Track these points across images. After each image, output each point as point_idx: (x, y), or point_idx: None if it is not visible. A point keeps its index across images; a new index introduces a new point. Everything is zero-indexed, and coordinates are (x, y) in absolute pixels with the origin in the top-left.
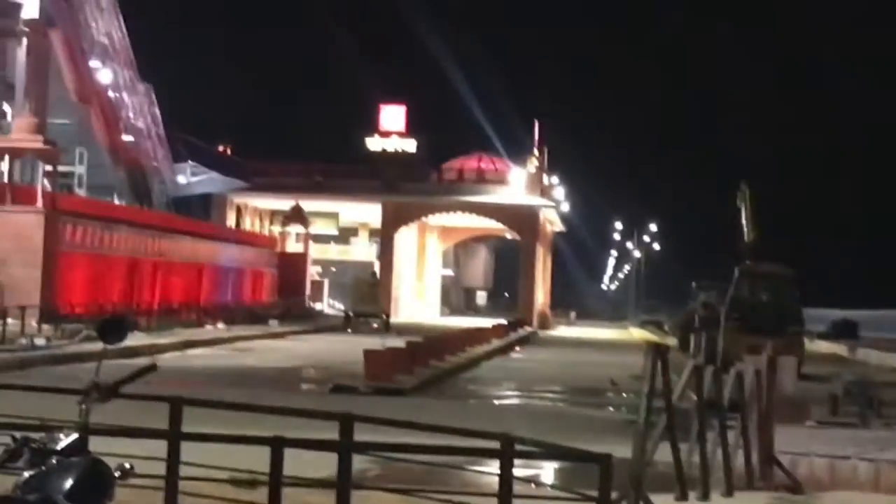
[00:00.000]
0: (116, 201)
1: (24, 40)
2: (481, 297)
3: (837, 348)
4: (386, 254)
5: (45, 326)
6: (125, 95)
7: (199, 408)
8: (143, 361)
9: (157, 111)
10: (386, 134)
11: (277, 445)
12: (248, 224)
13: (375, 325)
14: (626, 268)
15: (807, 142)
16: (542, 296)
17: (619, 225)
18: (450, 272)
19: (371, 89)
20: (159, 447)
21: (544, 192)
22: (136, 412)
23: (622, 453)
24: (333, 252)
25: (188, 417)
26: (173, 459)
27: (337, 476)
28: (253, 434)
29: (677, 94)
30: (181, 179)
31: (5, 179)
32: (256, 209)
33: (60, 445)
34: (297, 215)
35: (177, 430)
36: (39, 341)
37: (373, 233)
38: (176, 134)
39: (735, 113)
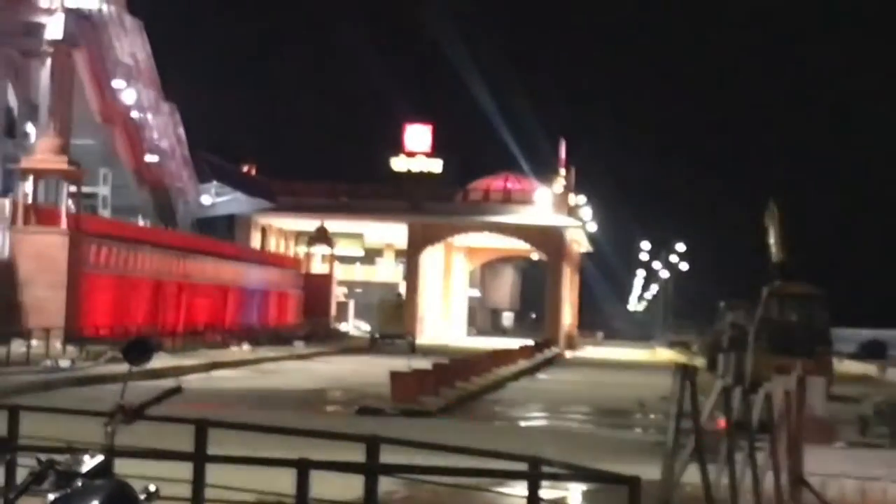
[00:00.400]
0: (141, 222)
1: (48, 60)
2: (508, 318)
3: (867, 368)
4: (411, 274)
5: (70, 348)
6: (149, 116)
7: (224, 430)
8: (168, 383)
9: (182, 131)
10: (412, 154)
11: (303, 468)
12: (273, 245)
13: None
14: (654, 288)
15: (836, 159)
16: (568, 316)
17: (646, 245)
18: (476, 293)
19: (397, 109)
20: (185, 469)
21: (571, 211)
22: (161, 434)
23: (650, 475)
24: (359, 273)
25: (213, 439)
26: (198, 482)
27: (363, 498)
28: (278, 456)
29: (706, 111)
30: (205, 200)
31: (29, 200)
32: (281, 230)
33: (85, 468)
34: (322, 236)
35: (202, 452)
36: (64, 363)
37: (398, 253)
38: (200, 154)
39: (764, 130)
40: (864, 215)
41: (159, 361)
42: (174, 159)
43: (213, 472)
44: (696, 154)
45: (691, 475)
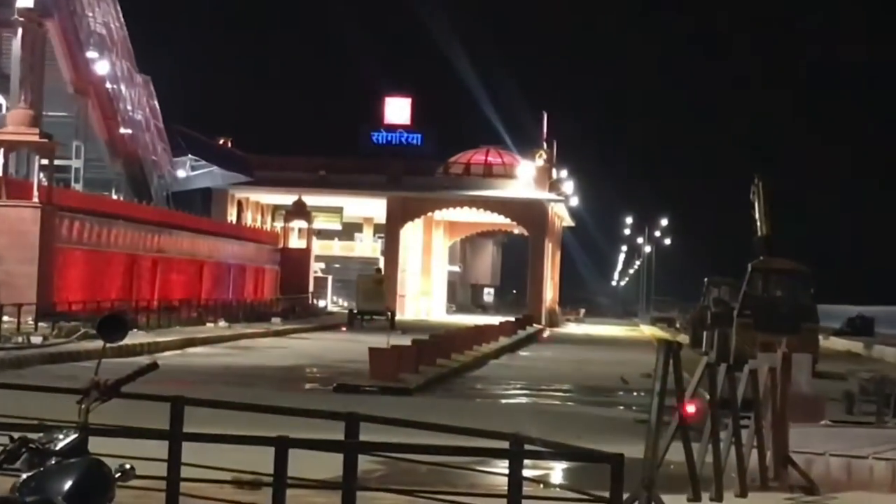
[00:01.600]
0: (114, 196)
1: (20, 30)
2: (488, 294)
3: (853, 345)
4: (391, 250)
5: (42, 324)
6: (123, 87)
7: (200, 407)
8: (142, 360)
9: (156, 103)
10: (391, 127)
11: (281, 446)
12: (250, 219)
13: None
14: (637, 263)
15: (823, 134)
16: (550, 292)
17: (629, 219)
18: (456, 268)
19: (376, 82)
20: (160, 448)
21: (553, 186)
22: (136, 412)
23: (634, 453)
24: (337, 248)
25: (189, 417)
26: (174, 460)
27: (342, 477)
28: (256, 434)
29: (689, 85)
30: (181, 173)
31: (0, 173)
32: (258, 204)
33: (59, 446)
34: (299, 210)
35: (178, 430)
36: (36, 339)
37: (377, 228)
38: (175, 127)
39: (748, 105)
40: (852, 190)
41: (134, 338)
42: (148, 132)
43: (190, 451)
44: (681, 127)
45: (675, 453)
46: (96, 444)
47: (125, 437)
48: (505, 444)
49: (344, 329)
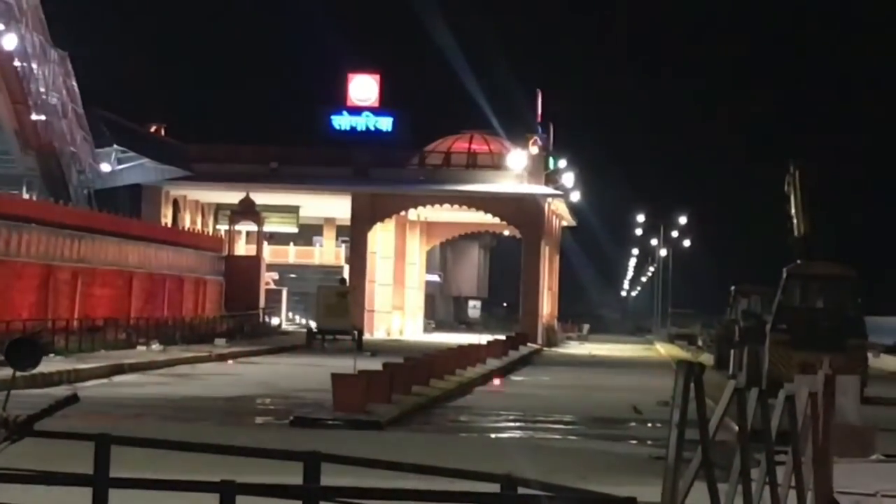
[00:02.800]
0: (25, 195)
1: None
2: (474, 309)
3: None
4: (357, 257)
5: None
6: (34, 65)
7: (130, 447)
8: (61, 392)
9: (75, 84)
10: (356, 109)
11: (227, 492)
12: (188, 222)
13: (346, 343)
14: (651, 270)
15: (869, 120)
16: (547, 305)
17: (641, 218)
18: (436, 278)
19: (338, 56)
20: (82, 496)
21: (549, 178)
22: (54, 453)
23: (649, 496)
24: (293, 255)
25: (118, 459)
26: None
27: None
28: (197, 479)
29: (709, 58)
30: (105, 167)
31: None
32: (198, 203)
33: None
34: (247, 210)
35: (103, 474)
36: None
37: (341, 231)
38: (98, 112)
39: (782, 82)
40: None
41: (50, 365)
42: (66, 118)
43: (118, 500)
44: (702, 105)
45: (698, 495)
46: (6, 493)
47: (40, 484)
48: (495, 488)
49: (302, 351)
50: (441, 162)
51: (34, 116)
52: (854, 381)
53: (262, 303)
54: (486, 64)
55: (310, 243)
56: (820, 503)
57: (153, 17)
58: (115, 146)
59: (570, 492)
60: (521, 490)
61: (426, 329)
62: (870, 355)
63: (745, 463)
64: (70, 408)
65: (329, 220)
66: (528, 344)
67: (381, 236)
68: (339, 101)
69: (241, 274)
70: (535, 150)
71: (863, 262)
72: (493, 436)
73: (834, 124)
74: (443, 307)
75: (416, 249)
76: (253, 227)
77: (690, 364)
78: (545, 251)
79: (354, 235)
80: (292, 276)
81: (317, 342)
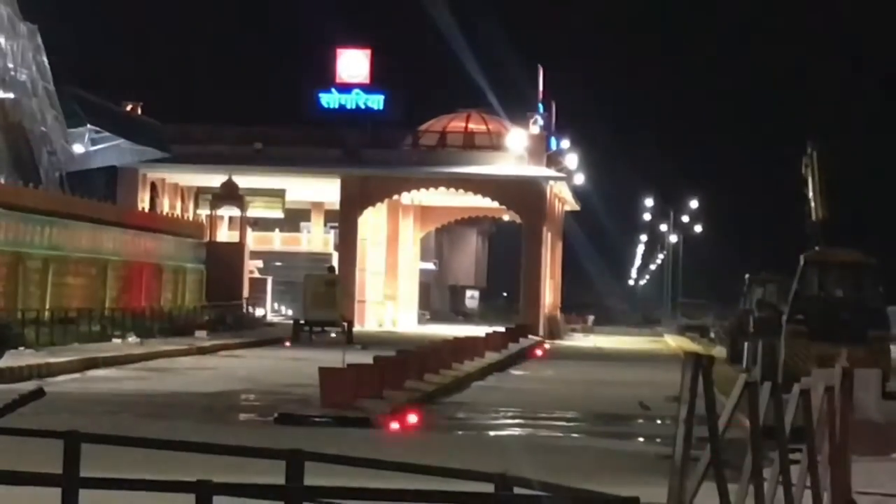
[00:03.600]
0: None
1: None
2: (472, 299)
3: None
4: (347, 243)
5: None
6: (2, 39)
7: (103, 445)
8: (28, 386)
9: (45, 60)
10: (346, 87)
11: (204, 492)
12: (167, 206)
13: (333, 335)
14: (660, 258)
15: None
16: (550, 295)
17: (649, 202)
18: (431, 266)
19: (327, 31)
20: (52, 496)
21: (551, 160)
22: (21, 451)
23: (655, 496)
24: (278, 242)
25: (90, 458)
26: None
27: None
28: (174, 479)
29: (721, 32)
30: (78, 148)
31: None
32: (177, 187)
33: None
34: (230, 194)
35: (73, 474)
36: None
37: (329, 216)
38: (70, 90)
39: (802, 55)
40: None
41: (19, 359)
42: (36, 96)
43: (89, 501)
44: (714, 80)
45: (707, 495)
46: None
47: (6, 484)
48: (490, 488)
49: (288, 344)
50: (436, 142)
51: (2, 94)
52: (875, 375)
53: (245, 292)
54: (484, 38)
55: (296, 229)
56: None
57: None
58: (88, 126)
59: (568, 492)
60: (517, 490)
61: (421, 320)
62: (893, 348)
63: (756, 462)
64: (41, 404)
65: (317, 205)
66: (529, 336)
67: (372, 222)
68: (327, 78)
69: (224, 262)
70: (536, 129)
71: (885, 248)
72: (491, 433)
73: (857, 101)
74: (438, 297)
75: (410, 236)
76: (236, 212)
77: (698, 356)
78: (547, 237)
79: (344, 221)
80: (278, 264)
81: (304, 334)
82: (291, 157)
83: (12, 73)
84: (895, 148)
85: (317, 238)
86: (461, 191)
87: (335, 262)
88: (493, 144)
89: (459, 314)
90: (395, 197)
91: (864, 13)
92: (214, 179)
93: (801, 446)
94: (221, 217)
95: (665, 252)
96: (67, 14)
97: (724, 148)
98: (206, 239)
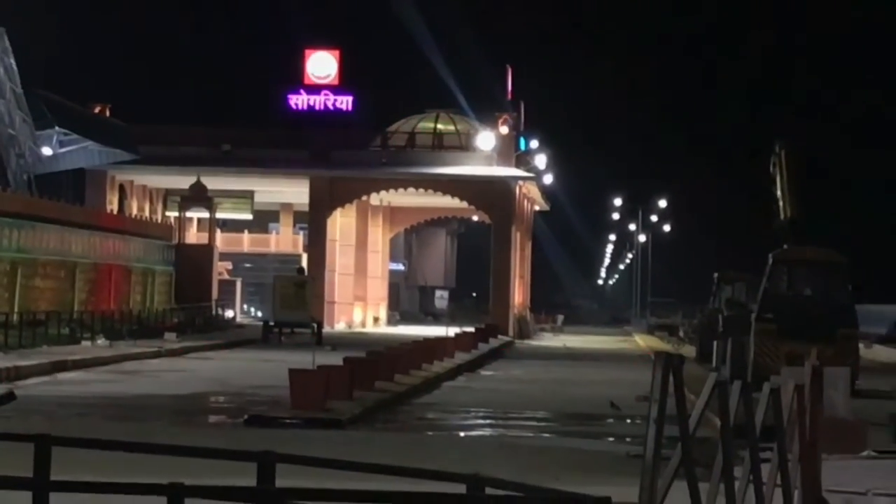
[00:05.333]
0: None
1: None
2: (441, 299)
3: None
4: (316, 245)
5: None
6: None
7: (73, 448)
8: None
9: (13, 62)
10: (314, 88)
11: (175, 495)
12: (136, 208)
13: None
14: (629, 257)
15: (858, 95)
16: (519, 295)
17: (618, 201)
18: (400, 267)
19: (294, 31)
20: (22, 500)
21: (520, 159)
22: None
23: (626, 496)
24: (247, 243)
25: (60, 461)
26: None
27: None
28: (144, 482)
29: (690, 32)
30: (46, 151)
31: None
32: (145, 188)
33: None
34: (198, 196)
35: (44, 477)
36: None
37: (298, 217)
38: (38, 92)
39: (768, 55)
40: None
41: None
42: (3, 98)
43: (62, 502)
44: (683, 80)
45: (677, 495)
46: None
47: None
48: (461, 489)
49: (258, 346)
50: (405, 143)
51: None
52: (844, 373)
53: (214, 294)
54: (452, 39)
55: (265, 231)
56: (808, 502)
57: None
58: (56, 128)
59: (540, 492)
60: (489, 491)
61: (390, 321)
62: (861, 346)
63: (727, 460)
64: (9, 407)
65: (286, 206)
66: (499, 336)
67: (341, 223)
68: (295, 79)
69: (193, 263)
70: (504, 129)
71: (855, 247)
72: (461, 434)
73: (826, 101)
74: (408, 298)
75: (379, 237)
76: (205, 214)
77: (669, 355)
78: (516, 237)
79: (313, 222)
80: (247, 265)
81: (273, 336)
82: (260, 159)
83: None
84: (864, 148)
85: (286, 239)
86: (430, 191)
87: (304, 264)
88: (462, 145)
89: (429, 314)
90: (364, 198)
91: (831, 12)
92: (183, 181)
93: (772, 445)
94: (190, 219)
95: (634, 251)
96: (35, 16)
97: (693, 147)
98: (175, 241)
